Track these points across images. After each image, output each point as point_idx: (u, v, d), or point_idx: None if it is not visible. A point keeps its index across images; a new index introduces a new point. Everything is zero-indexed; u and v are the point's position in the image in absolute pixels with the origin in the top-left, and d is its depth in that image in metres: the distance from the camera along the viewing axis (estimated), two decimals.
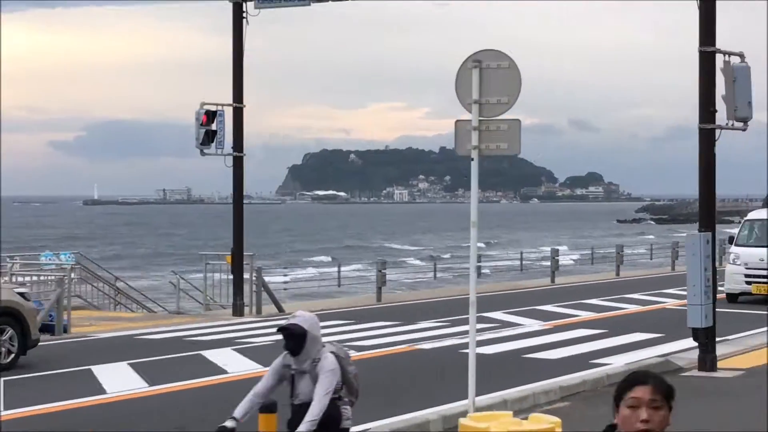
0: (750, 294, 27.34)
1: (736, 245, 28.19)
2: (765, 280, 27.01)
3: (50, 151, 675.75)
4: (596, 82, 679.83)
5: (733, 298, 27.64)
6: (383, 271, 30.65)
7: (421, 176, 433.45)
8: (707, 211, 16.98)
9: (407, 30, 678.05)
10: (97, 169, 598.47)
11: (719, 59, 16.79)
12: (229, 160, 26.24)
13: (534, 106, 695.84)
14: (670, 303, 27.72)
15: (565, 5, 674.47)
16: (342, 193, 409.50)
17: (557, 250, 38.75)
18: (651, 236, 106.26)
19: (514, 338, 20.61)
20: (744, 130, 17.03)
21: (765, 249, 27.21)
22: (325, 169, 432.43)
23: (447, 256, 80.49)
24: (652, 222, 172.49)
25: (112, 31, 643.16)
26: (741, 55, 16.89)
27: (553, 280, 36.32)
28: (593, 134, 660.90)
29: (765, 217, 28.81)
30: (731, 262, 27.88)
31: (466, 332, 20.90)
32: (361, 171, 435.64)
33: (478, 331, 21.14)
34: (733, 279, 27.70)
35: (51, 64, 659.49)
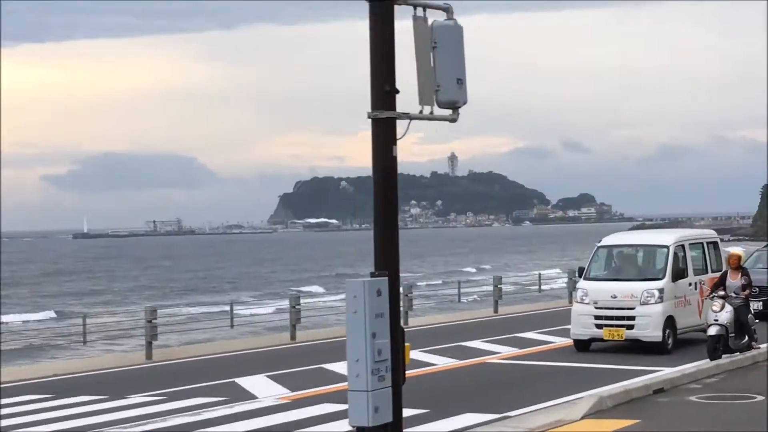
0: (602, 340, 22.14)
1: (586, 279, 22.63)
2: (619, 322, 21.76)
3: (44, 185, 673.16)
4: (588, 104, 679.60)
5: (582, 345, 22.48)
6: (153, 321, 24.35)
7: (413, 202, 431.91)
8: (386, 243, 10.84)
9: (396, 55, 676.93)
10: (89, 202, 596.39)
11: (403, 13, 10.67)
12: None
13: (526, 129, 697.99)
14: (502, 353, 22.62)
15: (557, 29, 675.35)
16: (334, 221, 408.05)
17: (410, 286, 32.88)
18: None
19: (198, 425, 15.32)
20: (452, 120, 11.17)
21: (619, 283, 22.19)
22: (317, 197, 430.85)
23: (439, 282, 78.86)
24: None
25: (103, 64, 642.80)
26: (446, 10, 10.94)
27: (406, 322, 28.64)
28: (585, 155, 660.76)
29: (624, 243, 23.87)
30: (579, 300, 22.42)
31: (156, 414, 16.14)
32: (353, 198, 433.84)
33: (188, 409, 16.55)
34: (580, 322, 22.24)
35: (43, 98, 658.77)
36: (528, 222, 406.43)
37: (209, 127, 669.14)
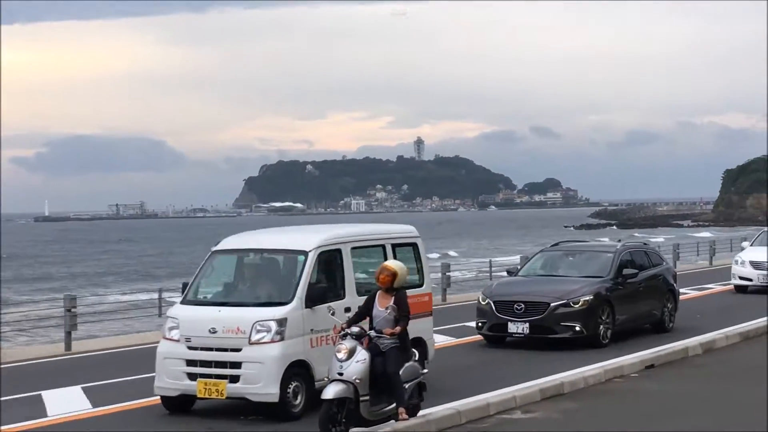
0: (197, 398, 14.05)
1: (184, 301, 14.76)
2: (219, 370, 13.78)
3: (12, 167, 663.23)
4: (558, 88, 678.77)
5: (173, 404, 14.42)
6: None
7: (379, 186, 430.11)
8: None
9: (367, 39, 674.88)
10: (56, 185, 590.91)
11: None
12: None
13: (496, 113, 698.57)
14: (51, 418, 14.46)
15: (522, 12, 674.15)
16: (299, 205, 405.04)
17: (73, 297, 23.24)
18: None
19: None
20: None
21: (225, 309, 14.14)
22: (282, 181, 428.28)
23: None
24: (615, 227, 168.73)
25: (72, 47, 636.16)
26: None
27: (68, 347, 22.13)
28: (554, 140, 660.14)
29: (250, 247, 15.35)
30: (167, 335, 14.33)
31: None
32: (319, 182, 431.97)
33: None
34: (166, 368, 14.12)
35: (11, 80, 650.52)
36: (493, 207, 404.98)
37: (179, 111, 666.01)
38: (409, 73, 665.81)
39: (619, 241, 25.22)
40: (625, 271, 21.23)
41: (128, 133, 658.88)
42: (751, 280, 30.26)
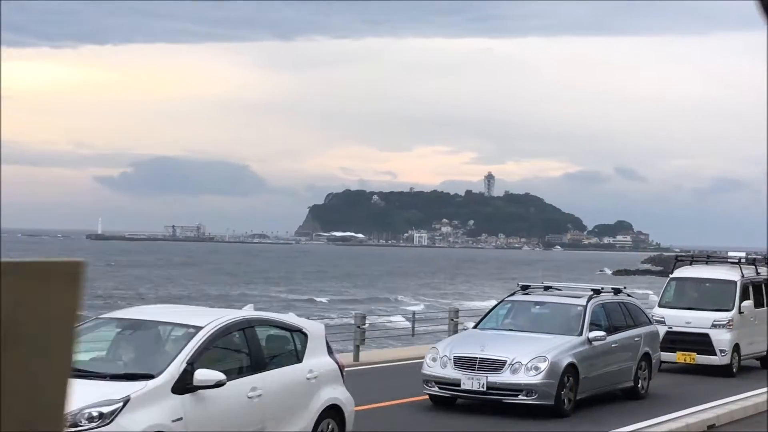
0: None
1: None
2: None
3: (96, 186, 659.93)
4: (645, 130, 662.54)
5: None
6: None
7: (445, 220, 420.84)
8: None
9: (453, 74, 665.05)
10: (132, 204, 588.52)
11: None
12: None
13: (581, 153, 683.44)
14: None
15: (613, 54, 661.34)
16: (360, 235, 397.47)
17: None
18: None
19: None
20: None
21: None
22: (347, 210, 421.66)
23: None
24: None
25: (161, 69, 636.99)
26: None
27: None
28: (638, 183, 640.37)
29: None
30: None
31: None
32: (384, 213, 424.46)
33: None
34: None
35: (106, 100, 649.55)
36: (559, 247, 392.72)
37: (264, 136, 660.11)
38: (495, 110, 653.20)
39: None
40: None
41: (212, 156, 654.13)
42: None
